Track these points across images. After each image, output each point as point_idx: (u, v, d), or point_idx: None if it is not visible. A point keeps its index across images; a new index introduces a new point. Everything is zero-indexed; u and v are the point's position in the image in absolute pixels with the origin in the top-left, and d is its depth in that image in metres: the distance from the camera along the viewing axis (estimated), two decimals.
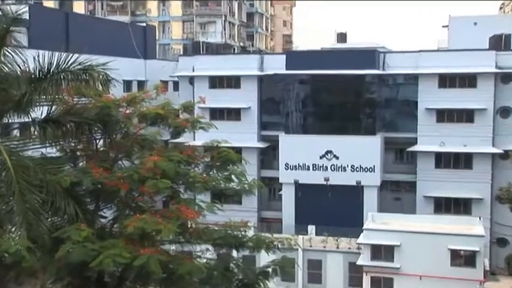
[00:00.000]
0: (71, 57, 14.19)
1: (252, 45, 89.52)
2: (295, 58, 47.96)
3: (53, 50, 14.47)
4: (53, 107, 15.18)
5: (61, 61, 14.11)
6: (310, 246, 42.22)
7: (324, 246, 42.27)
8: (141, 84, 50.98)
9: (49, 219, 14.37)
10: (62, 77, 14.19)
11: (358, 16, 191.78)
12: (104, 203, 15.93)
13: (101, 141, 16.64)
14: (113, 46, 44.38)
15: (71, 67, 14.20)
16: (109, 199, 15.67)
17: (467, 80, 44.24)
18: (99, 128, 16.05)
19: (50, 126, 14.65)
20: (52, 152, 16.50)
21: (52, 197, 13.66)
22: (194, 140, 39.52)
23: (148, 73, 53.42)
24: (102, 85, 14.70)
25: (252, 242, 16.78)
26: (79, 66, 14.26)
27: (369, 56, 45.98)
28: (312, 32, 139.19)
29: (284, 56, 48.45)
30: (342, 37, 60.93)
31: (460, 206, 44.98)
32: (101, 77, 14.48)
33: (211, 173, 16.86)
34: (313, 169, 46.10)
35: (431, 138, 44.72)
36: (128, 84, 48.27)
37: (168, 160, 15.08)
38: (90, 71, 14.32)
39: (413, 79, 46.15)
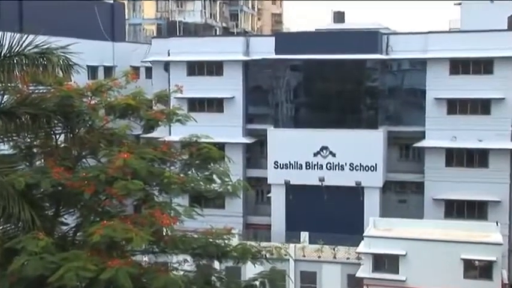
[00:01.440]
0: (26, 39, 14.08)
1: (236, 26, 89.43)
2: (285, 41, 48.01)
3: (4, 30, 14.33)
4: (5, 96, 15.08)
5: (14, 43, 14.00)
6: (303, 256, 42.35)
7: (319, 256, 42.41)
8: (108, 70, 50.88)
9: (0, 227, 14.24)
10: (15, 61, 14.08)
11: None
12: (65, 208, 15.88)
13: (62, 136, 16.57)
14: (75, 27, 44.04)
15: (25, 50, 14.10)
16: (71, 203, 15.62)
17: (483, 66, 44.50)
18: (60, 120, 15.99)
19: (1, 119, 14.55)
20: (4, 149, 16.37)
21: (4, 201, 13.56)
22: (170, 134, 39.57)
23: (117, 58, 53.25)
24: (62, 71, 14.62)
25: (236, 252, 16.78)
26: (35, 50, 14.16)
27: (371, 39, 46.12)
28: (305, 11, 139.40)
29: (273, 39, 48.44)
30: (339, 17, 61.17)
31: (474, 210, 45.28)
32: (61, 61, 14.38)
33: (189, 172, 16.85)
34: (306, 168, 46.19)
35: (441, 132, 44.94)
36: (93, 71, 48.15)
37: (139, 158, 15.05)
38: (49, 55, 14.22)
39: (420, 65, 46.35)
